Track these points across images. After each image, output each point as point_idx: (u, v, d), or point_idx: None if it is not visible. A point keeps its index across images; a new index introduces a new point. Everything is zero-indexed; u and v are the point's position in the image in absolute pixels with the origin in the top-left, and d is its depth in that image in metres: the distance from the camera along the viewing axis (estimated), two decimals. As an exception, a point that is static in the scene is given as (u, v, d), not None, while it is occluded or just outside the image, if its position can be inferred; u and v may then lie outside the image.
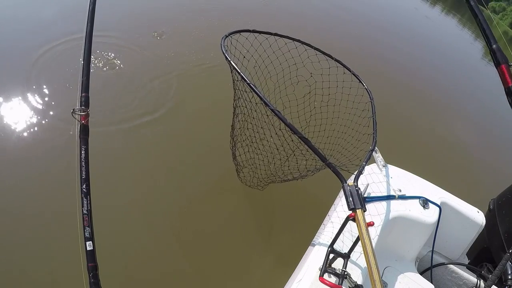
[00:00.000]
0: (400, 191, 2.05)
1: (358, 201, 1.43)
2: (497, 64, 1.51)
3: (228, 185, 3.28)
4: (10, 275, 2.38)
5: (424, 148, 4.62)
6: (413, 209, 1.97)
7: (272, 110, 1.79)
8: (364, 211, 1.41)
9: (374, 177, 2.12)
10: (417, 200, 2.03)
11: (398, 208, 1.94)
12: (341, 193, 2.07)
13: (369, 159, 2.03)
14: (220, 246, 2.84)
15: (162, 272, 2.58)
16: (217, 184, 3.30)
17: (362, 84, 2.66)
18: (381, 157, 2.35)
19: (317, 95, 2.81)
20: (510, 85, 1.43)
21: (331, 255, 1.58)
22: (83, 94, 1.59)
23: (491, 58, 1.59)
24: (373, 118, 2.34)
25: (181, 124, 3.89)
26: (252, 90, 1.97)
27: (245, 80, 1.99)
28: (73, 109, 1.54)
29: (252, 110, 2.38)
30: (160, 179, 3.22)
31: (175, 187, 3.19)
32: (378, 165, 2.26)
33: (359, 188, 1.49)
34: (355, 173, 1.81)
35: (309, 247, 1.83)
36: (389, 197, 1.98)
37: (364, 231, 1.32)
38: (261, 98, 1.86)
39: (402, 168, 2.34)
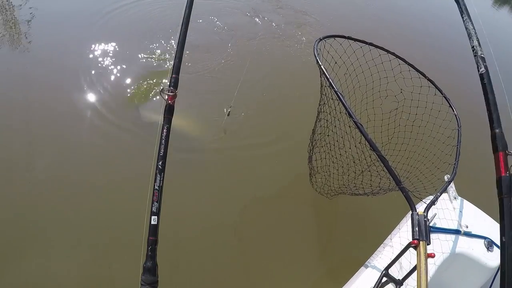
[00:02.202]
0: (467, 227, 2.04)
1: (424, 233, 1.44)
2: (495, 151, 1.39)
3: (297, 187, 3.42)
4: (70, 229, 2.76)
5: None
6: (476, 248, 1.97)
7: (355, 123, 1.84)
8: (428, 244, 1.42)
9: (444, 208, 2.14)
10: (482, 241, 2.02)
11: (461, 244, 1.96)
12: (408, 217, 2.12)
13: (444, 191, 2.03)
14: (274, 246, 2.99)
15: (212, 261, 2.78)
16: (288, 184, 3.45)
17: (453, 109, 2.57)
18: (454, 188, 2.33)
19: (404, 112, 2.76)
20: (503, 175, 1.31)
21: (384, 279, 1.64)
22: (173, 76, 1.62)
23: (491, 142, 1.44)
24: (457, 148, 2.27)
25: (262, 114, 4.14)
26: (338, 99, 2.04)
27: (333, 87, 2.05)
28: (162, 88, 1.58)
29: (335, 119, 2.43)
30: (231, 171, 3.49)
31: (244, 181, 3.43)
32: (449, 196, 2.26)
33: (428, 219, 1.50)
34: (427, 201, 1.81)
35: (362, 267, 1.91)
36: (454, 232, 2.00)
37: (423, 264, 1.35)
38: (346, 108, 1.92)
39: (474, 203, 2.31)
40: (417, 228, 1.46)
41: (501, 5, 13.46)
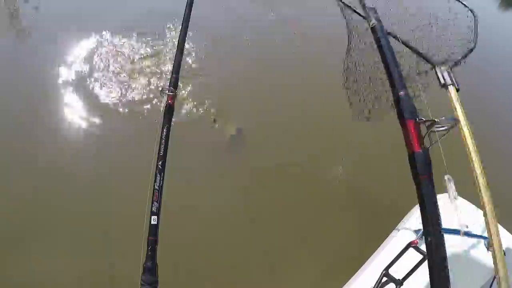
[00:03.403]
0: (467, 227, 1.98)
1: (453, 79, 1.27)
2: (401, 119, 1.08)
3: (297, 189, 3.44)
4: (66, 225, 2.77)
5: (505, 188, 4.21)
6: (476, 248, 1.95)
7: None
8: (457, 90, 1.26)
9: (443, 208, 2.12)
10: (483, 241, 1.98)
11: (461, 244, 1.94)
12: (407, 217, 2.11)
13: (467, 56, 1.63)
14: (274, 247, 3.00)
15: (212, 260, 2.80)
16: (287, 186, 3.47)
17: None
18: (454, 188, 2.31)
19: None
20: (416, 150, 1.03)
21: (384, 279, 1.61)
22: (173, 75, 1.61)
23: (395, 108, 1.11)
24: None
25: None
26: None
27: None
28: (162, 88, 1.57)
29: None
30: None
31: (244, 183, 3.46)
32: (449, 196, 2.24)
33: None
34: None
35: (362, 266, 1.91)
36: (454, 231, 1.97)
37: (460, 110, 1.22)
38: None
39: (474, 203, 2.26)
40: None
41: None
